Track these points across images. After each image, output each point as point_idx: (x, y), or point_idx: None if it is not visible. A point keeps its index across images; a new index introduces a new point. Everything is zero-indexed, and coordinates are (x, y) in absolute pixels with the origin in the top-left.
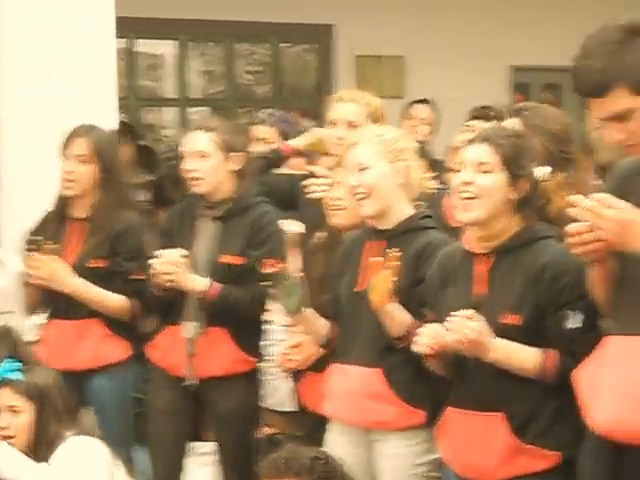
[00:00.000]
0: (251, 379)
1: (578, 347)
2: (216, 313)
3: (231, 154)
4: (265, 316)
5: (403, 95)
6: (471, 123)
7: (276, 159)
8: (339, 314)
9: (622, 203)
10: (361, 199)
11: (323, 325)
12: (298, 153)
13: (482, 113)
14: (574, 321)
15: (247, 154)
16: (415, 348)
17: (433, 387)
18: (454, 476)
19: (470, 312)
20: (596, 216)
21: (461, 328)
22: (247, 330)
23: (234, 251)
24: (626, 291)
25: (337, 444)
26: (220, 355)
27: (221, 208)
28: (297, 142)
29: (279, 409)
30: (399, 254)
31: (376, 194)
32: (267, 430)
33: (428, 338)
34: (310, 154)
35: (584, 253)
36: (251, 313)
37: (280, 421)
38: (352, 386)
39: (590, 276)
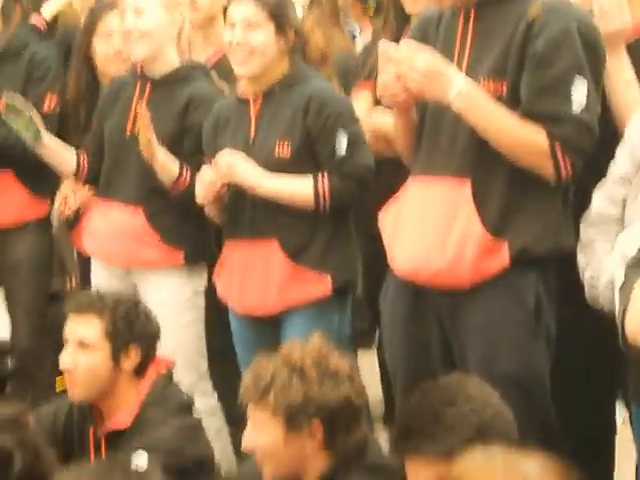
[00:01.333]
0: (45, 225)
1: (347, 169)
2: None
3: None
4: None
5: None
6: None
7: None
8: (106, 152)
9: (429, 52)
10: (135, 43)
11: (70, 155)
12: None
13: None
14: (341, 147)
15: None
16: (197, 200)
17: (194, 229)
18: (234, 314)
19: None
20: (404, 66)
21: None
22: (36, 171)
23: None
24: (424, 136)
25: (100, 282)
26: (9, 201)
27: None
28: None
29: None
30: (147, 113)
31: (149, 39)
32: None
33: (203, 185)
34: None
35: (392, 104)
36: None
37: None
38: (116, 226)
39: (394, 124)
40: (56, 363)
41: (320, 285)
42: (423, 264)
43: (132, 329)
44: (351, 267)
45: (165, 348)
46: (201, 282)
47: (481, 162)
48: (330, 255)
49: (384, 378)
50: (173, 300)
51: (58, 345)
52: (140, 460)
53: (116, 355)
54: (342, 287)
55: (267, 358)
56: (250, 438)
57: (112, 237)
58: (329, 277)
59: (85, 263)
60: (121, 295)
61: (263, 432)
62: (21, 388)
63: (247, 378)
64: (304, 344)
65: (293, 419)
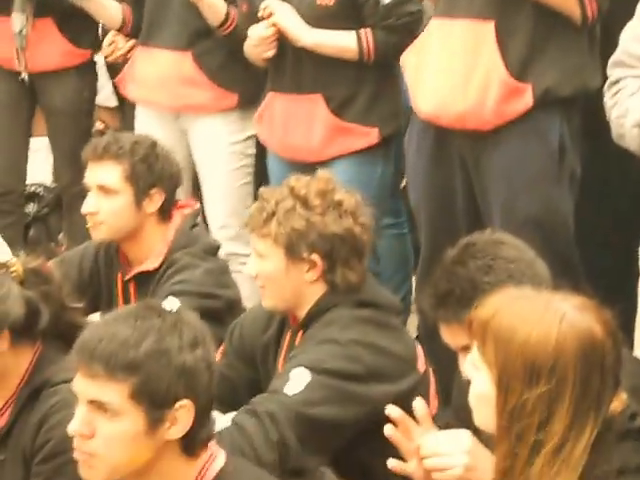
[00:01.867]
0: (84, 72)
1: (392, 20)
2: (41, 3)
3: None
4: None
5: None
6: None
7: None
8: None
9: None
10: None
11: (115, 9)
12: None
13: None
14: None
15: None
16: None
17: (245, 71)
18: (278, 161)
19: None
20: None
21: None
22: (77, 22)
23: None
24: None
25: (147, 131)
26: (50, 48)
27: None
28: None
29: (106, 105)
30: None
31: None
32: (97, 126)
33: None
34: None
35: None
36: None
37: (107, 116)
38: (163, 71)
39: None
40: None
41: (365, 137)
42: (446, 106)
43: (152, 171)
44: (397, 119)
45: (211, 194)
46: (253, 128)
47: (505, 3)
48: (375, 108)
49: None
50: (223, 145)
51: None
52: (170, 304)
53: (139, 198)
54: (387, 138)
55: (273, 189)
56: (252, 265)
57: (160, 83)
58: (375, 130)
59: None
60: (138, 137)
61: (265, 260)
62: (44, 234)
63: (253, 207)
64: (312, 178)
65: (294, 247)
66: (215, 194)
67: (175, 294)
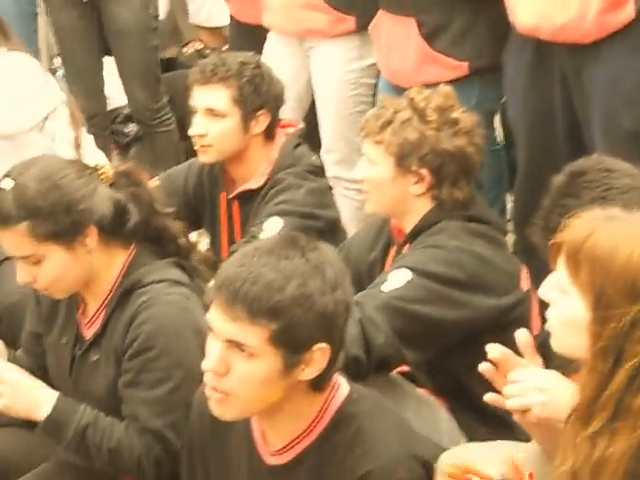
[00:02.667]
0: None
1: None
2: None
3: None
4: None
5: None
6: None
7: None
8: None
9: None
10: None
11: None
12: None
13: None
14: None
15: None
16: None
17: None
18: (386, 82)
19: None
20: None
21: None
22: None
23: None
24: None
25: (274, 55)
26: None
27: None
28: None
29: (206, 25)
30: None
31: None
32: (196, 45)
33: None
34: None
35: None
36: None
37: (206, 36)
38: None
39: None
40: (183, 128)
41: (453, 70)
42: (546, 19)
43: (259, 93)
44: (491, 53)
45: (322, 118)
46: (372, 55)
47: None
48: (467, 41)
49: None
50: (338, 72)
51: (181, 110)
52: (273, 224)
53: (246, 120)
54: (480, 70)
55: (393, 99)
56: (360, 169)
57: (284, 7)
58: (464, 64)
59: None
60: (245, 57)
61: (374, 166)
62: (144, 153)
63: (370, 114)
64: (433, 92)
65: (404, 158)
66: (325, 118)
67: (278, 214)
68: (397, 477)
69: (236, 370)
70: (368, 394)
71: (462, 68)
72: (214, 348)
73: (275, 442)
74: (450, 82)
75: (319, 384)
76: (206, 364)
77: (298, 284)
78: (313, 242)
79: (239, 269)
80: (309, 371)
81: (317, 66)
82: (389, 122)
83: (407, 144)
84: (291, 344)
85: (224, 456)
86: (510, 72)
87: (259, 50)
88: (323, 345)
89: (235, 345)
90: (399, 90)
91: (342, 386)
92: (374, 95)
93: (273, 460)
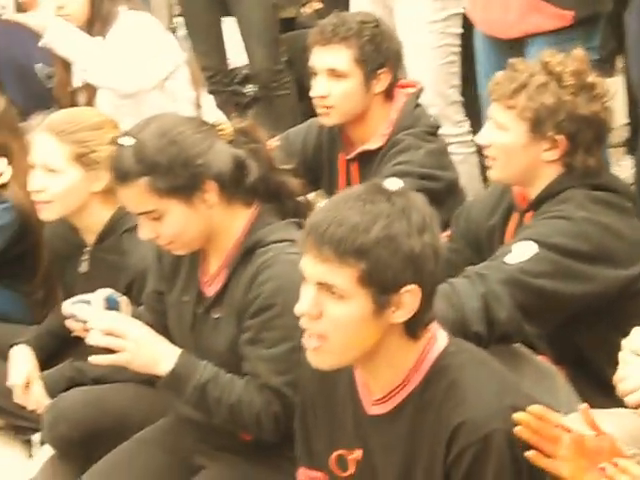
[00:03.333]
0: None
1: None
2: None
3: None
4: None
5: None
6: None
7: None
8: None
9: None
10: None
11: None
12: None
13: None
14: None
15: None
16: None
17: None
18: (480, 33)
19: None
20: None
21: None
22: None
23: None
24: None
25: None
26: None
27: None
28: None
29: None
30: None
31: None
32: (314, 5)
33: None
34: None
35: None
36: None
37: None
38: None
39: None
40: (302, 89)
41: (557, 19)
42: None
43: (380, 51)
44: (595, 2)
45: (414, 73)
46: (458, 4)
47: None
48: None
49: (631, 100)
50: (423, 23)
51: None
52: (392, 185)
53: (368, 80)
54: (582, 20)
55: (525, 61)
56: (487, 134)
57: None
58: (570, 13)
59: None
60: (364, 16)
61: (504, 131)
62: (263, 115)
63: (499, 76)
64: (566, 56)
65: (540, 124)
66: (417, 72)
67: (397, 175)
68: (492, 427)
69: (328, 312)
70: (467, 347)
71: (566, 17)
72: (307, 292)
73: (376, 392)
74: (550, 32)
75: (413, 330)
76: (299, 307)
77: (383, 226)
78: (401, 189)
79: (326, 214)
80: (400, 314)
81: (400, 19)
82: (523, 86)
83: (544, 110)
84: (380, 285)
85: (332, 409)
86: (634, 30)
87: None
88: (412, 287)
89: (326, 288)
90: (493, 41)
91: (440, 338)
92: (462, 46)
93: (375, 409)
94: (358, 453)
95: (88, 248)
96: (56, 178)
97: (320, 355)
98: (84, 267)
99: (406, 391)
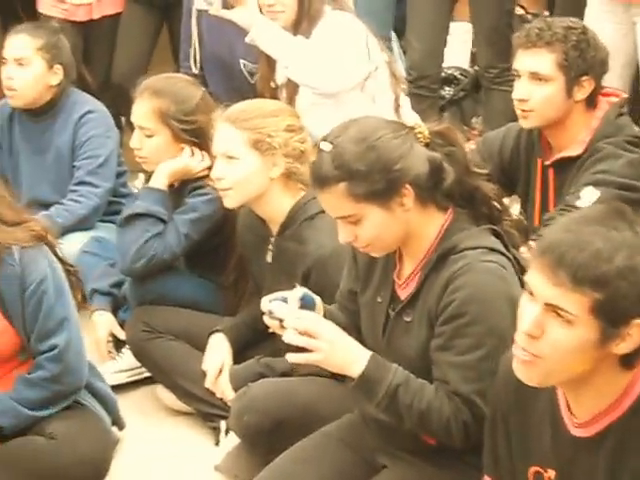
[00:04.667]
0: None
1: None
2: None
3: None
4: None
5: None
6: None
7: None
8: None
9: None
10: None
11: None
12: None
13: None
14: None
15: None
16: None
17: None
18: None
19: None
20: None
21: None
22: None
23: None
24: None
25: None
26: None
27: None
28: None
29: None
30: None
31: None
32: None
33: None
34: None
35: None
36: None
37: (528, 2)
38: None
39: None
40: None
41: None
42: None
43: (584, 58)
44: None
45: None
46: None
47: None
48: None
49: None
50: None
51: None
52: (589, 194)
53: (569, 86)
54: None
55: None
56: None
57: None
58: None
59: None
60: (570, 22)
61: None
62: (458, 117)
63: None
64: None
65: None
66: None
67: (595, 184)
68: None
69: (550, 335)
70: None
71: None
72: (531, 311)
73: (579, 414)
74: None
75: (631, 361)
76: (521, 326)
77: (626, 256)
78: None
79: (565, 235)
80: (624, 346)
81: None
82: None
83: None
84: (611, 316)
85: (526, 424)
86: None
87: None
88: None
89: (553, 310)
90: None
91: None
92: None
93: (578, 432)
94: (552, 473)
95: (273, 239)
96: (235, 165)
97: (529, 371)
98: (269, 257)
99: (613, 417)
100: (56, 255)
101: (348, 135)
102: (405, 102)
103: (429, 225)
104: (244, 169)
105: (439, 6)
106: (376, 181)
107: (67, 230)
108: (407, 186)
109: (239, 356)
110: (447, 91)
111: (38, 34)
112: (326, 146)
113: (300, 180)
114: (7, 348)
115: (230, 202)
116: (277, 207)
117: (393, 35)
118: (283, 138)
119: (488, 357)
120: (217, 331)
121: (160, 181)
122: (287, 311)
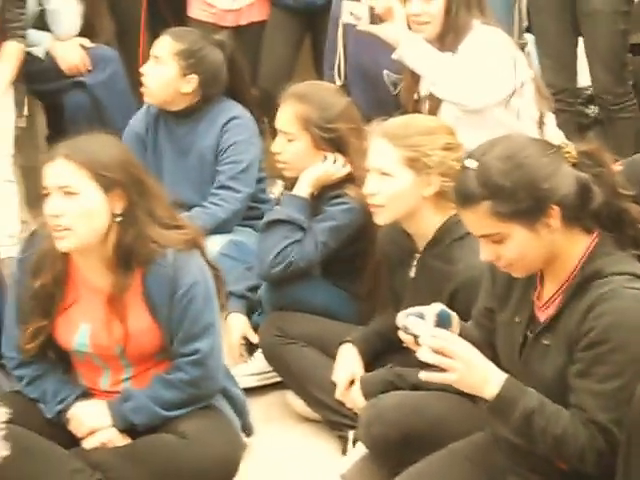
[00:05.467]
0: None
1: None
2: None
3: None
4: None
5: None
6: None
7: None
8: None
9: None
10: None
11: None
12: None
13: None
14: None
15: None
16: None
17: None
18: None
19: None
20: None
21: None
22: None
23: None
24: None
25: None
26: None
27: None
28: None
29: None
30: None
31: None
32: None
33: None
34: None
35: None
36: None
37: None
38: None
39: None
40: None
41: None
42: None
43: None
44: None
45: None
46: None
47: None
48: None
49: None
50: None
51: None
52: None
53: None
54: None
55: None
56: None
57: None
58: None
59: None
60: None
61: None
62: (604, 137)
63: None
64: None
65: None
66: None
67: None
68: None
69: None
70: None
71: None
72: None
73: None
74: None
75: None
76: None
77: None
78: None
79: None
80: None
81: None
82: None
83: None
84: None
85: None
86: None
87: None
88: None
89: None
90: None
91: None
92: None
93: None
94: None
95: (418, 254)
96: (388, 181)
97: None
98: (413, 272)
99: None
100: (206, 260)
101: (494, 153)
102: (550, 119)
103: (574, 247)
104: (398, 187)
105: (561, 22)
106: (522, 200)
107: (207, 232)
108: (554, 206)
109: (369, 366)
110: (592, 109)
111: (181, 39)
112: (471, 163)
113: (452, 199)
114: (150, 347)
115: (382, 219)
116: (427, 224)
117: (530, 37)
118: (439, 157)
119: (627, 386)
120: (347, 341)
121: (303, 189)
122: (423, 328)
